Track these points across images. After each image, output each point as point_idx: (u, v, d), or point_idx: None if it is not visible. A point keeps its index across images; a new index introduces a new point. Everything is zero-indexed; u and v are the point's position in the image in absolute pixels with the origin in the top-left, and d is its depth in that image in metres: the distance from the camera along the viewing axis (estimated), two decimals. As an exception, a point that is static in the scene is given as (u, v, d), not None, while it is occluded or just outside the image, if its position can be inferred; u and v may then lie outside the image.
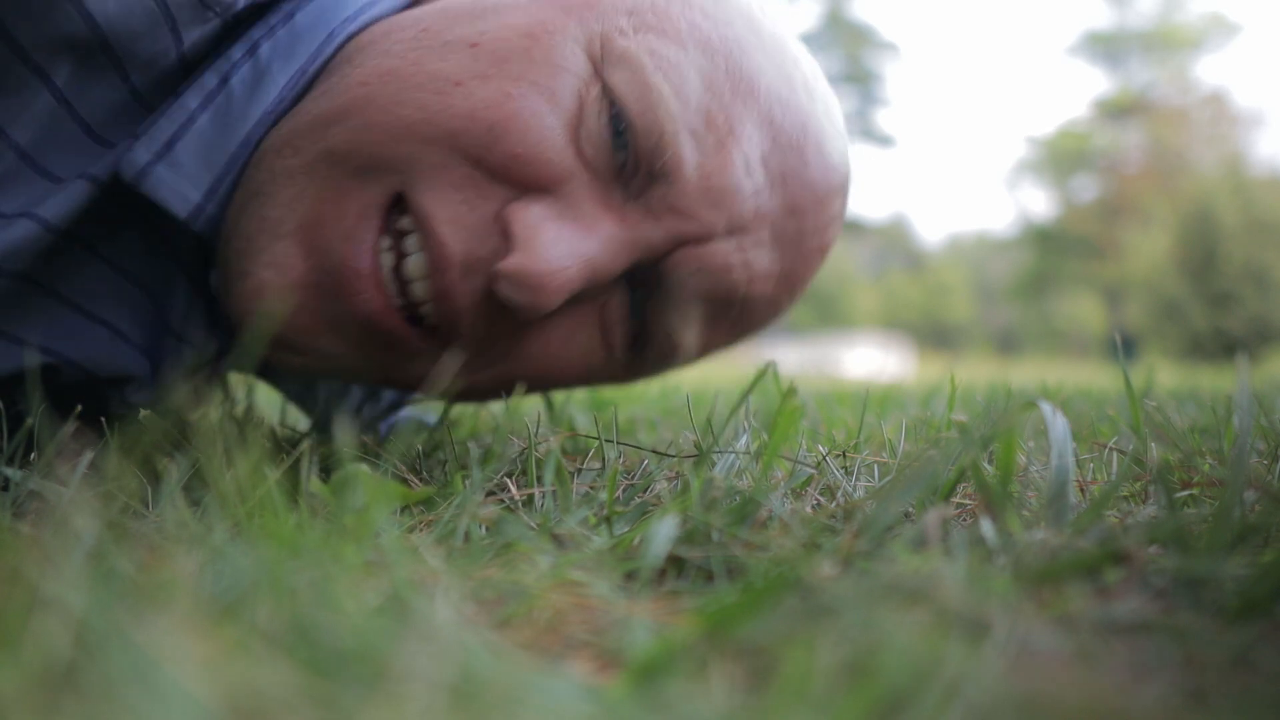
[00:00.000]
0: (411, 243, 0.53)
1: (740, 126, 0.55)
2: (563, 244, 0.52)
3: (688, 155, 0.53)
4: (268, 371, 0.76)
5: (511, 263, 0.51)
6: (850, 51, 23.84)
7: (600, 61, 0.54)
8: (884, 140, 24.99)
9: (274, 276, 0.53)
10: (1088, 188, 28.46)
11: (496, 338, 0.55)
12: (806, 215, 0.58)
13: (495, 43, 0.53)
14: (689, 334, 0.59)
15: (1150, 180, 26.17)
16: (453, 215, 0.52)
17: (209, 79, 0.53)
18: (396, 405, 0.83)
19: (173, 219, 0.57)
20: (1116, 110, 27.95)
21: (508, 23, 0.54)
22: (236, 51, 0.54)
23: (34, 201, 0.52)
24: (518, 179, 0.52)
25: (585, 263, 0.52)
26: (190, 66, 0.54)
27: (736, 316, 0.60)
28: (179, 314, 0.61)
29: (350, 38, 0.57)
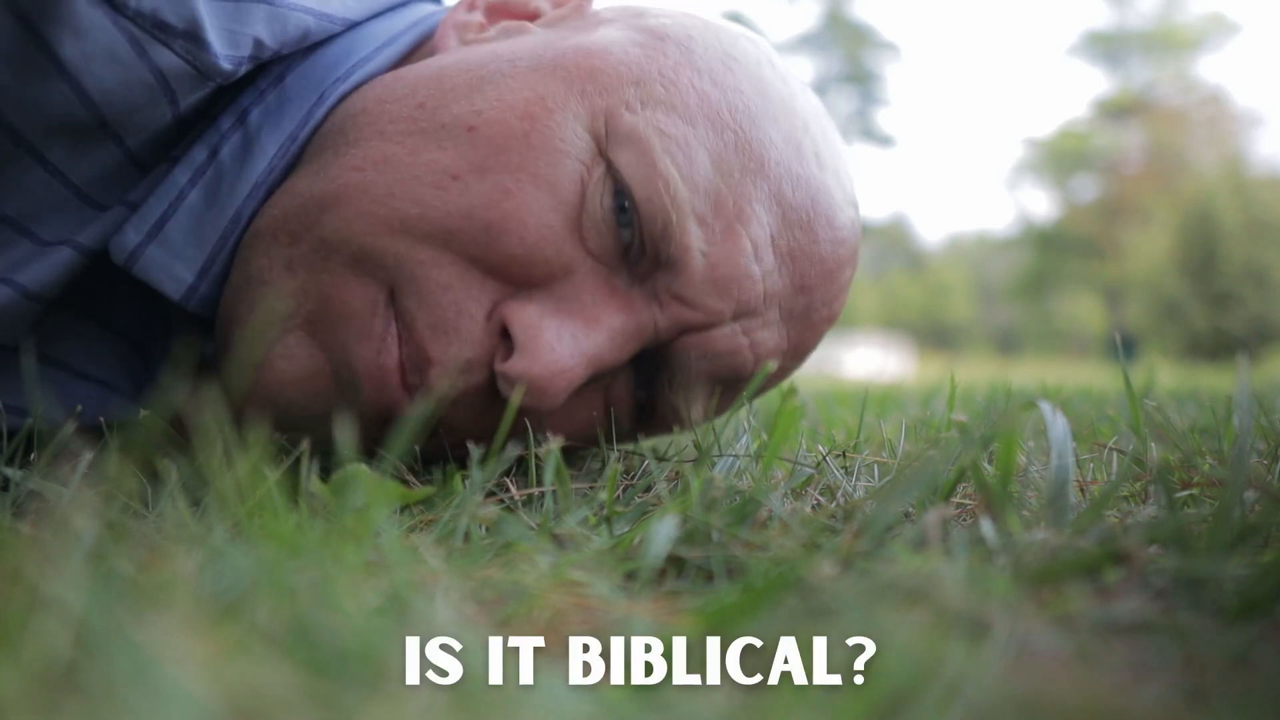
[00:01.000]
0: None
1: (749, 208, 0.53)
2: (565, 343, 0.50)
3: (694, 244, 0.51)
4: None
5: (514, 367, 0.49)
6: (850, 51, 23.83)
7: (604, 139, 0.52)
8: (884, 140, 24.98)
9: (290, 367, 0.52)
10: (1088, 188, 28.46)
11: (493, 416, 0.54)
12: (815, 291, 0.57)
13: (492, 126, 0.51)
14: (695, 409, 0.57)
15: (1150, 180, 26.17)
16: (438, 319, 0.50)
17: (198, 153, 0.52)
18: None
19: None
20: (1116, 110, 27.95)
21: (506, 100, 0.52)
22: (225, 121, 0.53)
23: (13, 267, 0.51)
24: (515, 277, 0.51)
25: (589, 360, 0.51)
26: (185, 125, 0.53)
27: (741, 388, 0.59)
28: (163, 368, 0.59)
29: (343, 98, 0.55)
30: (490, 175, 0.50)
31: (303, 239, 0.51)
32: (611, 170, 0.51)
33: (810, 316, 0.58)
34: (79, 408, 0.53)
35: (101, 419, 0.54)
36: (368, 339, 0.51)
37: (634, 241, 0.52)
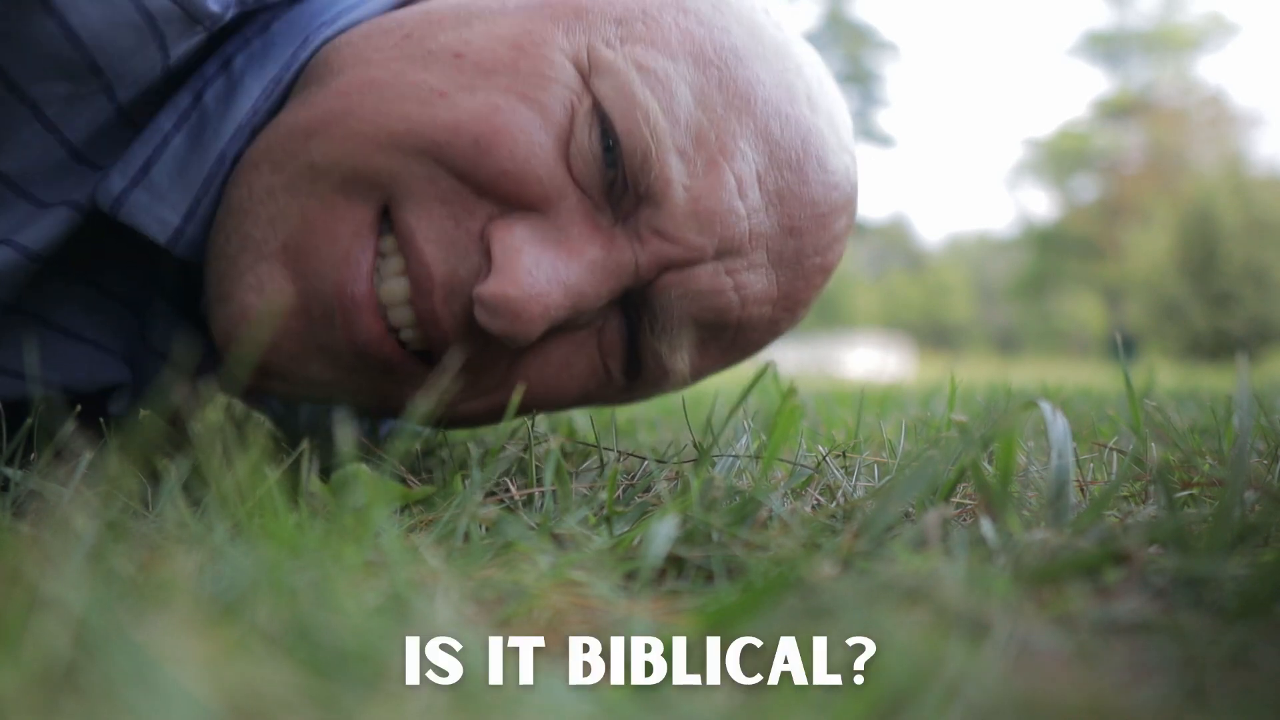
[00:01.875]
0: (389, 266, 0.51)
1: (733, 143, 0.52)
2: (543, 269, 0.49)
3: (675, 176, 0.51)
4: (250, 394, 0.74)
5: (488, 287, 0.49)
6: (850, 51, 23.83)
7: (588, 73, 0.51)
8: (884, 140, 24.99)
9: (258, 300, 0.51)
10: (1088, 188, 28.47)
11: (492, 363, 0.54)
12: (806, 235, 0.55)
13: (481, 53, 0.51)
14: (679, 359, 0.56)
15: (1150, 180, 26.18)
16: (439, 233, 0.50)
17: (183, 97, 0.52)
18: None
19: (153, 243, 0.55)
20: (1116, 110, 27.96)
21: (494, 32, 0.52)
22: (210, 67, 0.53)
23: (15, 228, 0.51)
24: (505, 195, 0.50)
25: (567, 289, 0.50)
26: (175, 79, 0.52)
27: (731, 339, 0.57)
28: (160, 331, 0.59)
29: (327, 42, 0.55)
30: (479, 93, 0.50)
31: (286, 165, 0.51)
32: (596, 104, 0.51)
33: (801, 263, 0.56)
34: (78, 407, 0.53)
35: (101, 421, 0.54)
36: (345, 265, 0.50)
37: (618, 178, 0.51)
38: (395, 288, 0.51)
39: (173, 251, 0.53)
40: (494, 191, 0.50)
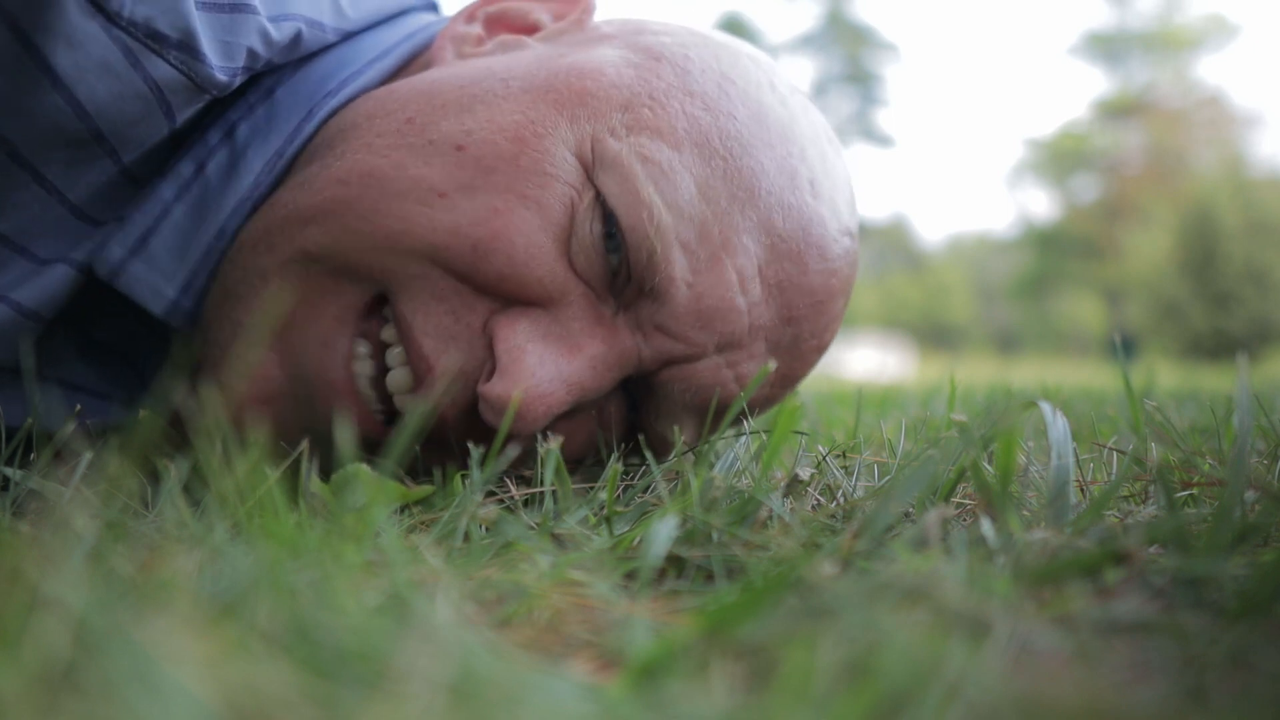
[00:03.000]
0: (394, 356, 0.51)
1: (736, 238, 0.52)
2: (547, 368, 0.50)
3: (678, 274, 0.51)
4: None
5: (494, 389, 0.49)
6: (850, 52, 23.83)
7: (591, 165, 0.51)
8: (884, 140, 24.99)
9: (249, 389, 0.51)
10: (1088, 188, 28.47)
11: (486, 434, 0.53)
12: (804, 322, 0.56)
13: (482, 146, 0.50)
14: (682, 436, 0.56)
15: (1150, 181, 26.18)
16: (436, 328, 0.50)
17: (185, 167, 0.52)
18: None
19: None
20: (1116, 111, 27.96)
21: (496, 123, 0.51)
22: (213, 137, 0.53)
23: (11, 285, 0.51)
24: (506, 294, 0.50)
25: (570, 387, 0.51)
26: (179, 139, 0.52)
27: (728, 411, 0.58)
28: (154, 375, 0.59)
29: (333, 112, 0.55)
30: (479, 194, 0.49)
31: (281, 249, 0.51)
32: (600, 197, 0.50)
33: (799, 347, 0.57)
34: (79, 407, 0.53)
35: (101, 421, 0.54)
36: (325, 349, 0.51)
37: (621, 268, 0.51)
38: (400, 377, 0.51)
39: (168, 324, 0.53)
40: (495, 291, 0.50)
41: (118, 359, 0.58)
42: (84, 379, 0.57)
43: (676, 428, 0.55)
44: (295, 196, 0.51)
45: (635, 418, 0.56)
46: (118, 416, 0.58)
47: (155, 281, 0.52)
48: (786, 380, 0.58)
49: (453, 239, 0.49)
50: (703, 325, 0.52)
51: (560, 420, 0.53)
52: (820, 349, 0.59)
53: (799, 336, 0.56)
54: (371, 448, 0.52)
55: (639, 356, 0.53)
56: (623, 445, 0.57)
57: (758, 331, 0.54)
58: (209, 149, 0.52)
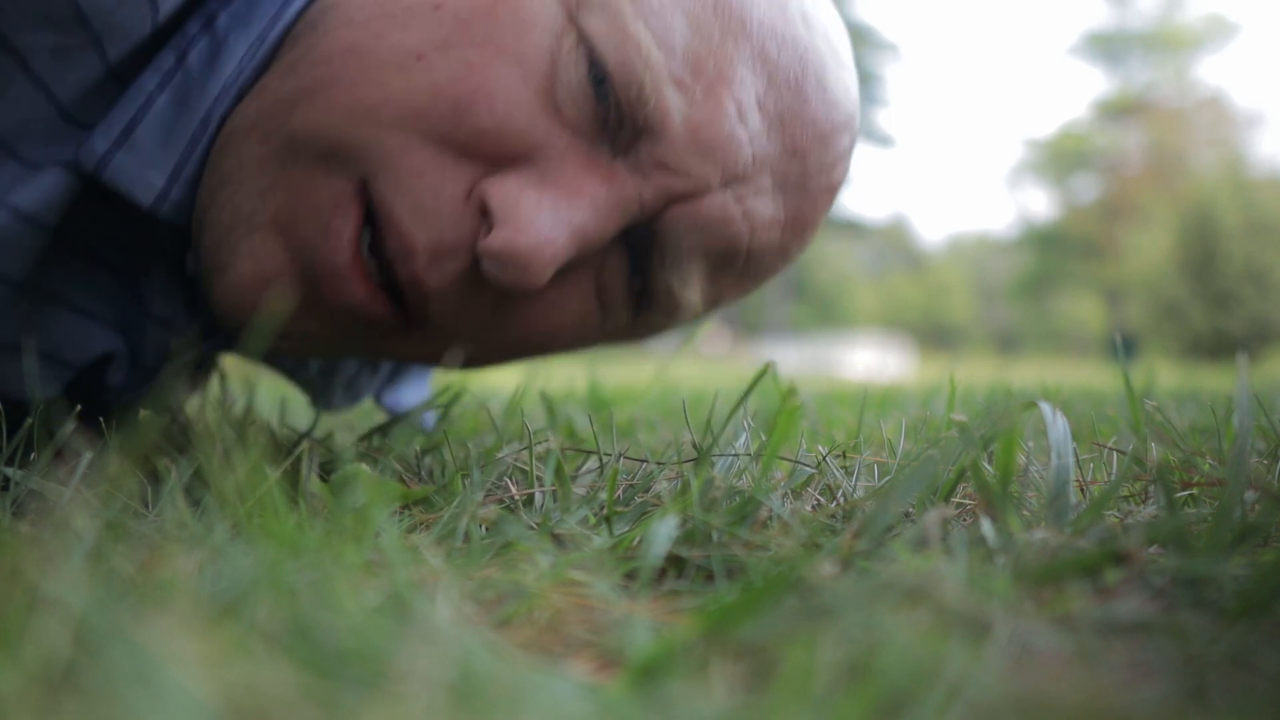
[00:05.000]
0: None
1: (731, 69, 0.51)
2: (546, 213, 0.49)
3: (673, 107, 0.50)
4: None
5: (494, 241, 0.48)
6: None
7: (575, 7, 0.50)
8: (884, 140, 24.99)
9: (253, 268, 0.51)
10: (1088, 188, 28.46)
11: (484, 311, 0.53)
12: (810, 156, 0.55)
13: (458, 1, 0.50)
14: (692, 291, 0.56)
15: (1150, 181, 26.18)
16: (415, 204, 0.49)
17: (166, 57, 0.51)
18: (395, 373, 0.81)
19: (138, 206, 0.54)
20: (1116, 111, 27.96)
21: None
22: (193, 25, 0.52)
23: (4, 188, 0.50)
24: (489, 154, 0.50)
25: (573, 231, 0.50)
26: (159, 36, 0.51)
27: (743, 267, 0.57)
28: (158, 298, 0.59)
29: None
30: (454, 51, 0.49)
31: (273, 136, 0.51)
32: (583, 38, 0.50)
33: (807, 185, 0.56)
34: (78, 406, 0.53)
35: (101, 418, 0.54)
36: (327, 234, 0.50)
37: (611, 111, 0.50)
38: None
39: (156, 214, 0.52)
40: (477, 151, 0.50)
41: (114, 278, 0.58)
42: (78, 298, 0.56)
43: (688, 285, 0.54)
44: (283, 81, 0.51)
45: (639, 282, 0.55)
46: (106, 341, 0.57)
47: (142, 170, 0.51)
48: (798, 224, 0.57)
49: (431, 100, 0.49)
50: (704, 157, 0.51)
51: (557, 279, 0.53)
52: (830, 190, 0.58)
53: (806, 172, 0.55)
54: (375, 326, 0.52)
55: (640, 199, 0.52)
56: (629, 311, 0.56)
57: (762, 164, 0.53)
58: (189, 38, 0.52)
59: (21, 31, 0.47)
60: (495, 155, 0.50)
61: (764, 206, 0.54)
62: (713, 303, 0.60)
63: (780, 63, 0.53)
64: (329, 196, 0.50)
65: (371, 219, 0.51)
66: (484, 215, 0.50)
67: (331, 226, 0.50)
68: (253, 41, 0.53)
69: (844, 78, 0.57)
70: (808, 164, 0.55)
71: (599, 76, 0.50)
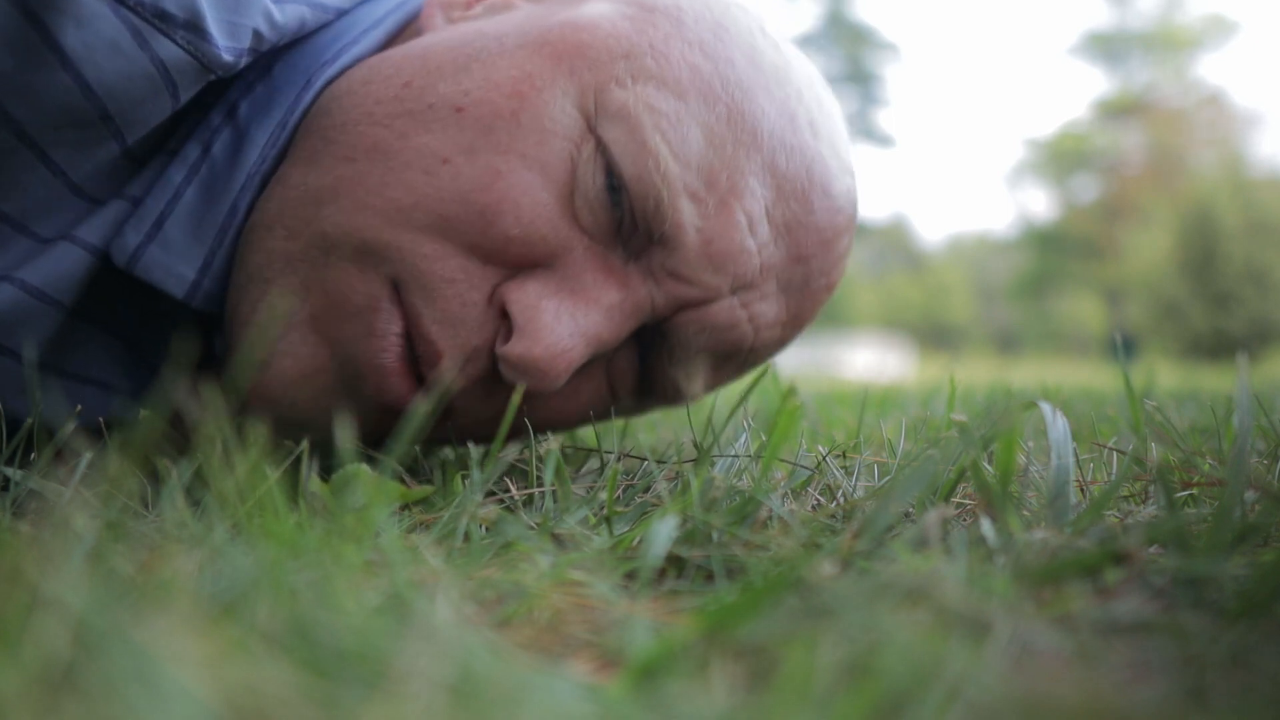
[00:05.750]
0: None
1: (742, 181, 0.53)
2: (564, 322, 0.50)
3: (687, 220, 0.51)
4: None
5: (514, 350, 0.50)
6: (850, 52, 23.83)
7: (594, 116, 0.51)
8: (884, 140, 25.00)
9: (295, 365, 0.52)
10: (1088, 188, 28.48)
11: (502, 402, 0.54)
12: (813, 260, 0.57)
13: (480, 107, 0.51)
14: (695, 383, 0.58)
15: (1150, 181, 26.19)
16: (444, 313, 0.51)
17: (191, 150, 0.52)
18: None
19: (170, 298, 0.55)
20: (1116, 111, 27.96)
21: (493, 80, 0.51)
22: (215, 117, 0.53)
23: (15, 264, 0.51)
24: (514, 259, 0.51)
25: (588, 339, 0.51)
26: (176, 117, 0.52)
27: (744, 360, 0.59)
28: (164, 360, 0.59)
29: (329, 83, 0.55)
30: (480, 157, 0.50)
31: (301, 233, 0.51)
32: (601, 147, 0.51)
33: (809, 285, 0.58)
34: (79, 407, 0.53)
35: (101, 419, 0.54)
36: (371, 336, 0.51)
37: (626, 219, 0.52)
38: None
39: (190, 305, 0.53)
40: (503, 257, 0.51)
41: (123, 349, 0.58)
42: (89, 370, 0.57)
43: (693, 381, 0.56)
44: (306, 175, 0.52)
45: (645, 368, 0.57)
46: (121, 409, 0.58)
47: (174, 265, 0.52)
48: (798, 320, 0.60)
49: (461, 207, 0.50)
50: (715, 269, 0.53)
51: (573, 374, 0.54)
52: (829, 288, 0.60)
53: (809, 275, 0.57)
54: (399, 414, 0.52)
55: (653, 304, 0.53)
56: (637, 400, 0.58)
57: (769, 272, 0.55)
58: (213, 129, 0.53)
59: (44, 129, 0.47)
60: (519, 260, 0.51)
61: (768, 309, 0.56)
62: (712, 388, 0.62)
63: (789, 173, 0.54)
64: (365, 297, 0.51)
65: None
66: (504, 317, 0.52)
67: (376, 328, 0.51)
68: (273, 129, 0.53)
69: (846, 182, 0.59)
70: (811, 268, 0.57)
71: (616, 185, 0.51)
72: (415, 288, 0.51)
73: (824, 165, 0.56)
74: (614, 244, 0.52)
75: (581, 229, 0.52)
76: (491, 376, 0.53)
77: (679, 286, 0.53)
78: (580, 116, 0.51)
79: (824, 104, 0.58)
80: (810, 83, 0.58)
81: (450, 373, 0.51)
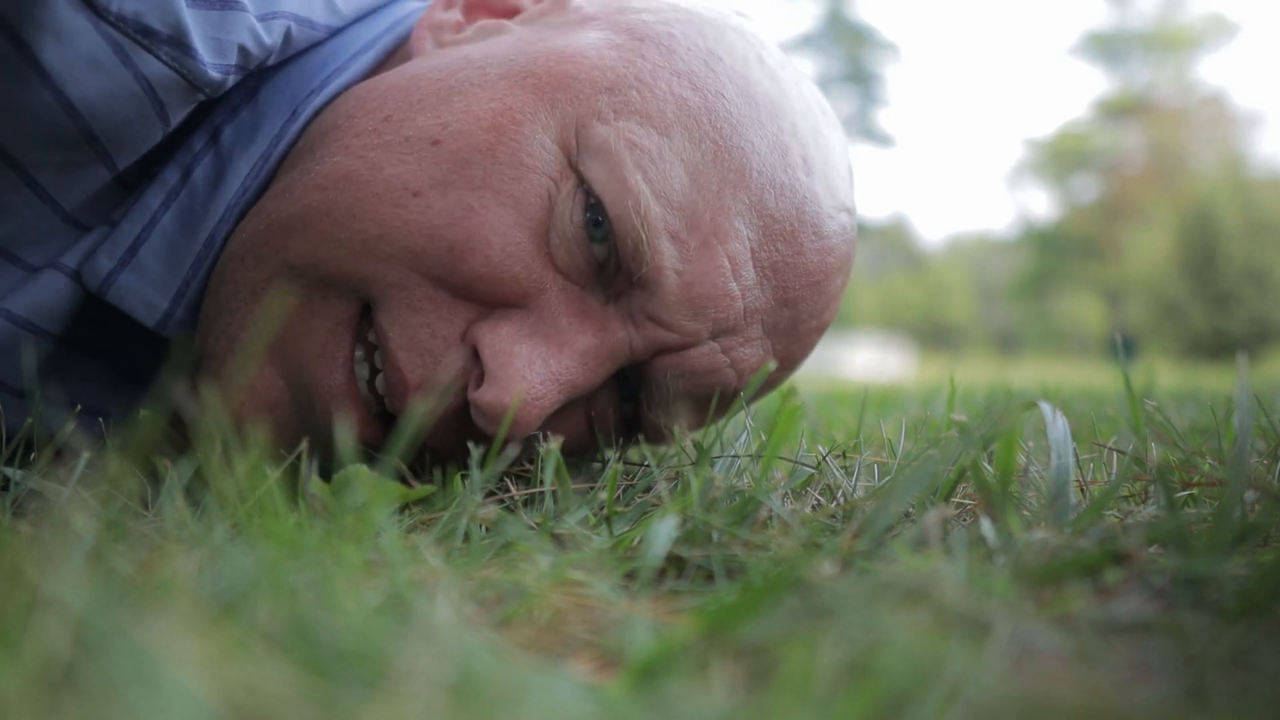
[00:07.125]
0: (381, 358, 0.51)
1: (727, 223, 0.50)
2: (536, 369, 0.49)
3: (667, 263, 0.49)
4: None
5: (484, 396, 0.48)
6: (850, 52, 23.81)
7: (575, 152, 0.50)
8: (884, 140, 24.97)
9: (250, 398, 0.51)
10: (1088, 188, 28.48)
11: (473, 439, 0.52)
12: (801, 303, 0.54)
13: (458, 140, 0.49)
14: (676, 424, 0.56)
15: (1150, 181, 26.19)
16: (410, 341, 0.49)
17: (170, 175, 0.51)
18: None
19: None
20: (1116, 111, 27.96)
21: (472, 113, 0.50)
22: (197, 141, 0.52)
23: (3, 293, 0.50)
24: (484, 297, 0.49)
25: (561, 385, 0.50)
26: (170, 143, 0.51)
27: (728, 402, 0.57)
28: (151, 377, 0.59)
29: (317, 111, 0.54)
30: (453, 191, 0.48)
31: (268, 261, 0.50)
32: (582, 184, 0.49)
33: (797, 329, 0.55)
34: (78, 407, 0.53)
35: (101, 421, 0.54)
36: (322, 359, 0.50)
37: (610, 258, 0.50)
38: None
39: (160, 334, 0.53)
40: (472, 294, 0.49)
41: (113, 375, 0.58)
42: (80, 398, 0.56)
43: (674, 423, 0.55)
44: (278, 205, 0.51)
45: (628, 408, 0.55)
46: (114, 430, 0.57)
47: (146, 292, 0.51)
48: (786, 362, 0.57)
49: (428, 241, 0.48)
50: (695, 313, 0.51)
51: (551, 416, 0.53)
52: (820, 329, 0.58)
53: (796, 318, 0.55)
54: (370, 450, 0.51)
55: (630, 347, 0.51)
56: (619, 438, 0.57)
57: (753, 316, 0.53)
58: (194, 154, 0.52)
59: (27, 150, 0.47)
60: (488, 299, 0.50)
61: (751, 354, 0.54)
62: (697, 428, 0.60)
63: (777, 214, 0.52)
64: (327, 323, 0.50)
65: (370, 350, 0.51)
66: (476, 358, 0.50)
67: (327, 350, 0.50)
68: (256, 161, 0.52)
69: (840, 221, 0.56)
70: (799, 311, 0.55)
71: (598, 223, 0.49)
72: (384, 310, 0.50)
73: (816, 203, 0.54)
74: (593, 284, 0.51)
75: (557, 269, 0.50)
76: (463, 413, 0.51)
77: (657, 331, 0.51)
78: (560, 152, 0.50)
79: (821, 136, 0.56)
80: (808, 113, 0.55)
81: (419, 407, 0.50)
